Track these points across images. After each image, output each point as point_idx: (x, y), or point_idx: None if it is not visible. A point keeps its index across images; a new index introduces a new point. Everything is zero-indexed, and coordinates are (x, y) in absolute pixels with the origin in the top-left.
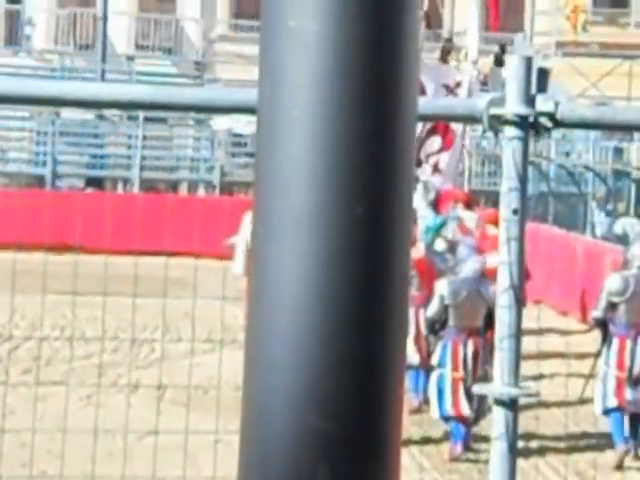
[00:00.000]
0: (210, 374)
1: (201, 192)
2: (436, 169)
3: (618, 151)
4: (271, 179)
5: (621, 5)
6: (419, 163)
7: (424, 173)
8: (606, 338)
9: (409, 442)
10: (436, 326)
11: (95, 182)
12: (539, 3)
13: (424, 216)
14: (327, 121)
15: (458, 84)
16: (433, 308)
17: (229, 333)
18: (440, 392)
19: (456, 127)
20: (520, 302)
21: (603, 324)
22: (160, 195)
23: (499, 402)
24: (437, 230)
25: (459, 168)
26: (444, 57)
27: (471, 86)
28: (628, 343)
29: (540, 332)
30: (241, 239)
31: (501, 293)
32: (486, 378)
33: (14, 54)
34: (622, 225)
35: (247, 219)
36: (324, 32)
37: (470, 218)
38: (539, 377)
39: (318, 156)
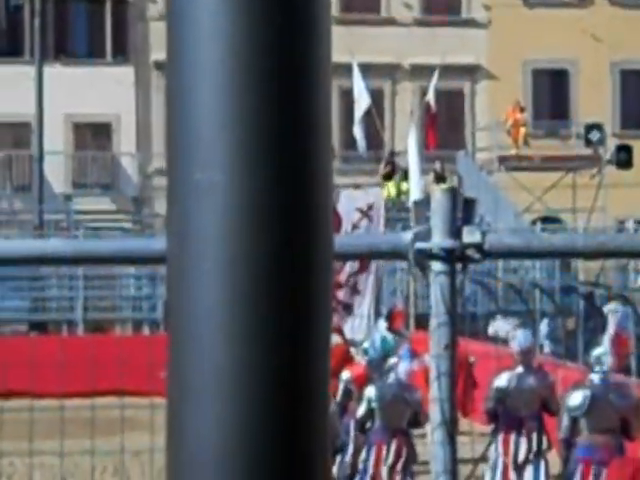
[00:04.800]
0: None
1: (146, 330)
2: (355, 290)
3: (565, 265)
4: (183, 334)
5: (561, 117)
6: (339, 285)
7: (346, 295)
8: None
9: None
10: (365, 426)
11: (38, 326)
12: (479, 119)
13: (380, 331)
14: (239, 273)
15: (370, 207)
16: (361, 410)
17: None
18: None
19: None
20: (454, 437)
21: (494, 416)
22: (106, 336)
23: None
24: (391, 349)
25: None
26: (389, 174)
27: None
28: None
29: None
30: None
31: (434, 429)
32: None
33: None
34: (495, 328)
35: None
36: (231, 183)
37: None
38: None
39: (230, 310)
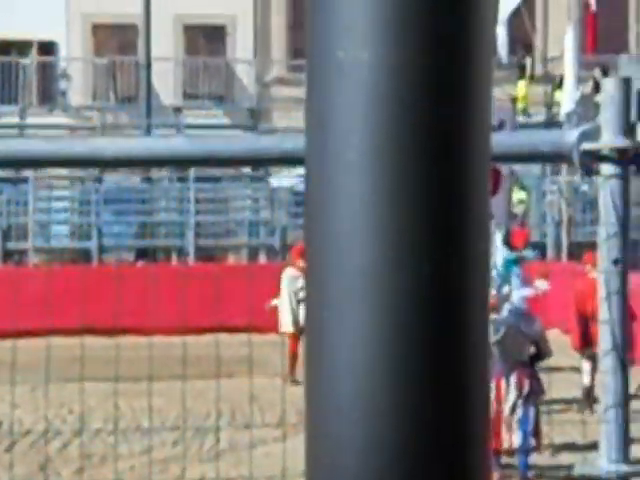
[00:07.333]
0: (285, 465)
1: (262, 258)
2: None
3: None
4: (324, 234)
5: None
6: None
7: None
8: None
9: None
10: None
11: (146, 253)
12: None
13: (500, 250)
14: (386, 164)
15: (501, 124)
16: None
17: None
18: None
19: (503, 168)
20: (626, 365)
21: None
22: (219, 265)
23: None
24: (514, 264)
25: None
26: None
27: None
28: None
29: None
30: (283, 297)
31: (604, 356)
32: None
33: (49, 112)
34: None
35: (286, 274)
36: (377, 63)
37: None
38: None
39: (377, 206)
